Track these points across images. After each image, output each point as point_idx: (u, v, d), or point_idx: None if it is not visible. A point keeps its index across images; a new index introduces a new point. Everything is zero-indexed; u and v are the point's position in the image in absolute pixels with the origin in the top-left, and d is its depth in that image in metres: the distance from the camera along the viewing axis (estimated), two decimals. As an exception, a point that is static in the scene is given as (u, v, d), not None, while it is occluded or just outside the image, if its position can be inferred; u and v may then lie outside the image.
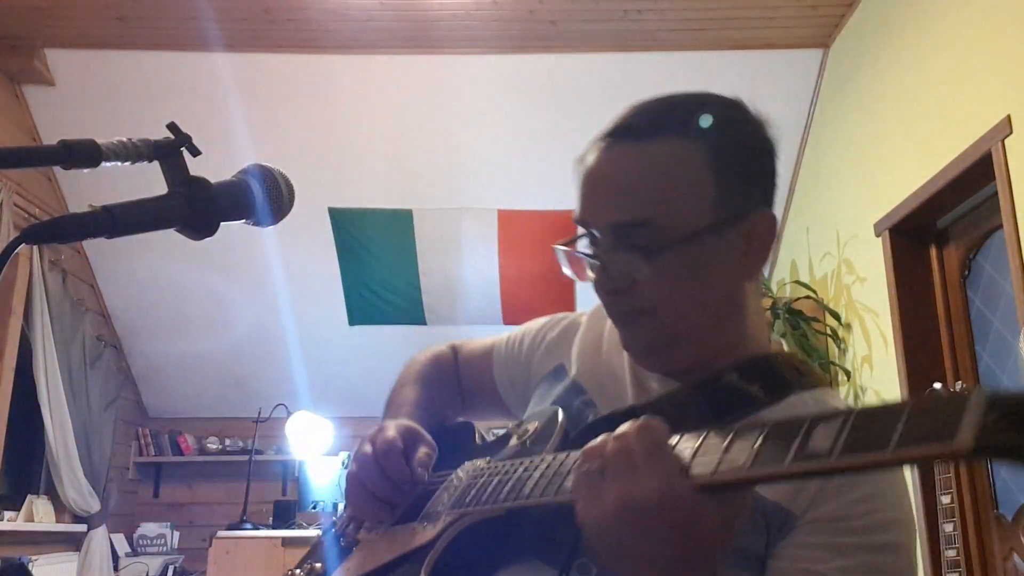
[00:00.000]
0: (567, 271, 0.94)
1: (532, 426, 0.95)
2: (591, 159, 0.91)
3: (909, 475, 3.38)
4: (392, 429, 0.97)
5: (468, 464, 0.94)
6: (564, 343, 1.10)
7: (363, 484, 0.94)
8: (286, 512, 5.09)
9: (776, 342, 0.99)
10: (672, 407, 0.86)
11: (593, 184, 0.90)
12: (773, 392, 0.87)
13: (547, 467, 0.78)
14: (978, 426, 0.45)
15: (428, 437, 1.00)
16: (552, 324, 1.14)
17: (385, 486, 0.92)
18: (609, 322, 1.02)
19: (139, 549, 5.30)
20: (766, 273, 4.91)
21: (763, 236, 0.90)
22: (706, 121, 0.88)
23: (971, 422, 0.45)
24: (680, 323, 0.88)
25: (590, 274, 0.91)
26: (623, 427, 0.67)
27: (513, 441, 0.95)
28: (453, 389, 1.22)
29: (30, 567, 3.97)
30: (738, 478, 0.60)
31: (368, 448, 0.95)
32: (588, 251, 0.91)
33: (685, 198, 0.86)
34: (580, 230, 0.92)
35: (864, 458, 0.51)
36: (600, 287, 0.91)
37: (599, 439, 0.68)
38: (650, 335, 0.90)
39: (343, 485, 1.04)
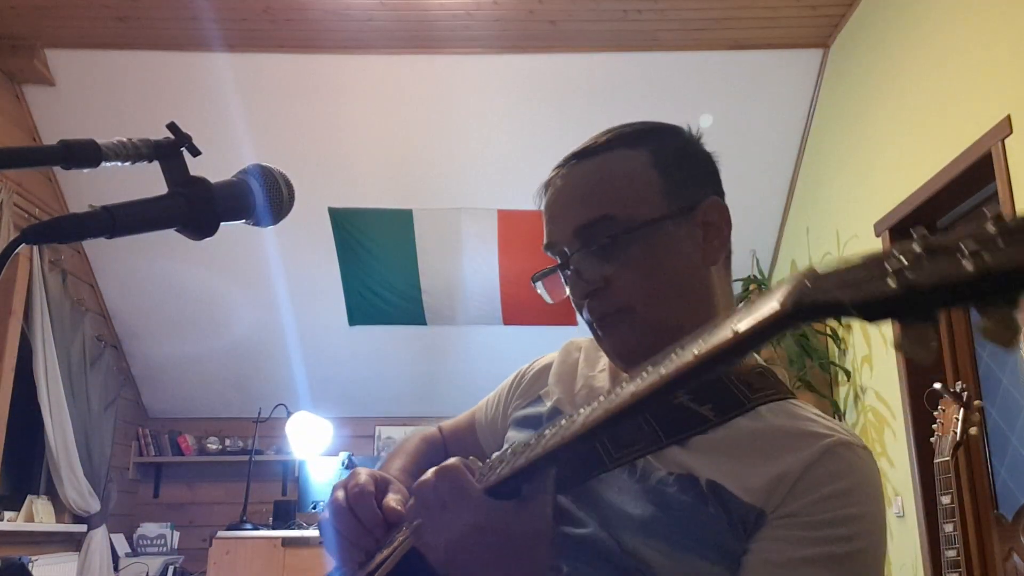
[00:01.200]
0: (547, 298, 1.02)
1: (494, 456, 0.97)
2: (550, 187, 1.01)
3: (908, 476, 3.38)
4: (363, 475, 0.98)
5: None
6: (538, 381, 1.13)
7: (336, 530, 0.95)
8: (286, 512, 5.09)
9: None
10: (626, 430, 0.90)
11: (552, 205, 1.00)
12: (724, 412, 0.90)
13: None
14: (794, 293, 0.51)
15: (400, 485, 1.01)
16: (524, 371, 1.18)
17: (358, 530, 0.93)
18: (582, 348, 1.11)
19: (139, 549, 5.30)
20: (767, 271, 4.92)
21: (717, 222, 0.97)
22: (643, 132, 0.99)
23: (788, 291, 0.52)
24: (657, 314, 0.93)
25: (567, 289, 0.98)
26: (424, 476, 0.78)
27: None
28: (441, 458, 1.25)
29: (30, 567, 3.97)
30: (512, 471, 0.72)
31: (340, 494, 0.96)
32: (560, 268, 0.99)
33: (637, 191, 0.94)
34: (551, 262, 1.00)
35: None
36: (576, 295, 0.96)
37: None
38: (633, 334, 0.94)
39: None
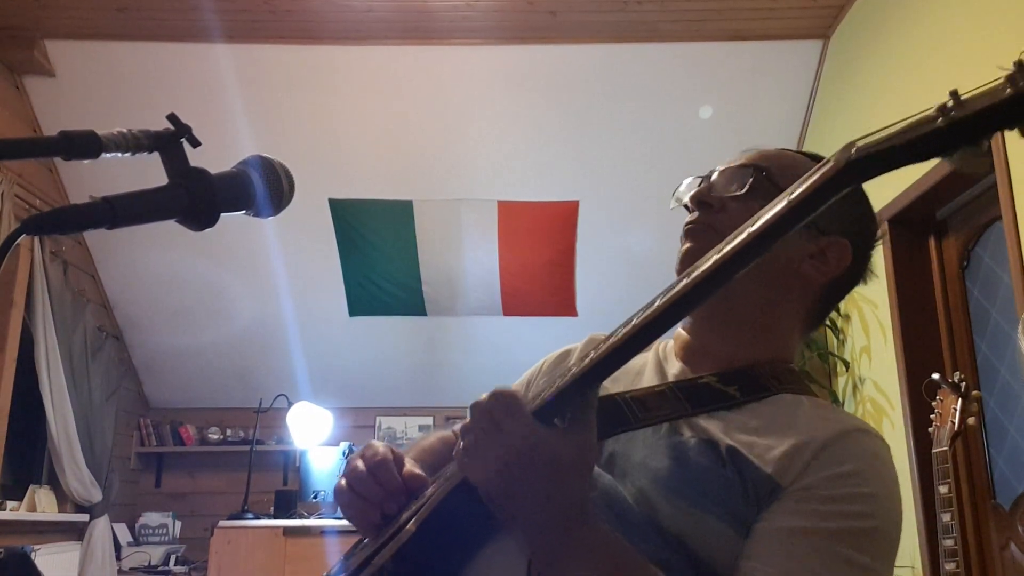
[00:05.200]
0: (675, 201, 1.08)
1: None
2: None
3: (907, 465, 3.39)
4: (380, 445, 0.99)
5: None
6: (561, 364, 1.14)
7: (355, 491, 0.95)
8: (287, 502, 5.11)
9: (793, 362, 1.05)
10: (654, 398, 0.95)
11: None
12: (750, 393, 0.94)
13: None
14: (845, 152, 0.64)
15: (415, 464, 1.02)
16: (546, 359, 1.19)
17: (378, 492, 0.94)
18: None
19: (141, 539, 5.32)
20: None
21: (832, 259, 0.99)
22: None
23: (839, 154, 0.64)
24: (740, 306, 0.99)
25: (687, 201, 1.03)
26: (479, 399, 0.79)
27: None
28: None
29: (33, 557, 3.98)
30: (556, 392, 0.77)
31: (359, 462, 0.96)
32: (703, 178, 1.04)
33: (796, 172, 0.96)
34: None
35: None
36: (694, 197, 1.01)
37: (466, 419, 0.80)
38: (701, 254, 0.97)
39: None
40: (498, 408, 0.77)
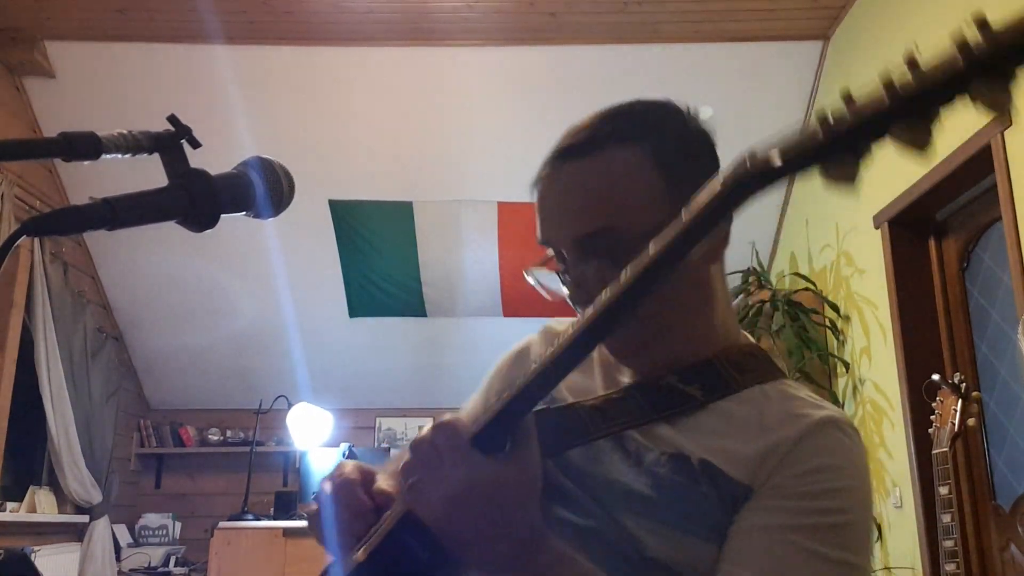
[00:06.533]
0: (543, 293, 0.99)
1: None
2: (542, 184, 0.96)
3: (907, 467, 3.39)
4: (349, 465, 0.97)
5: None
6: (518, 365, 1.12)
7: (327, 519, 0.93)
8: (287, 503, 5.11)
9: (744, 335, 1.02)
10: (613, 405, 0.92)
11: (549, 206, 0.94)
12: (712, 391, 0.91)
13: None
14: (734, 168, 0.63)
15: (387, 474, 0.99)
16: (504, 359, 1.17)
17: (348, 518, 0.92)
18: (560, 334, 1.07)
19: (141, 540, 5.32)
20: (766, 263, 4.92)
21: (716, 236, 0.93)
22: (639, 125, 0.93)
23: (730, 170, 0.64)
24: (659, 319, 0.91)
25: (564, 291, 0.95)
26: (422, 432, 0.77)
27: None
28: None
29: (33, 558, 3.98)
30: (490, 417, 0.74)
31: (327, 485, 0.94)
32: (559, 268, 0.95)
33: (639, 199, 0.90)
34: (548, 251, 0.97)
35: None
36: (576, 301, 0.93)
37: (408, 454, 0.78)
38: (634, 337, 0.92)
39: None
40: (439, 441, 0.76)
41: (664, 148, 0.92)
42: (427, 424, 0.80)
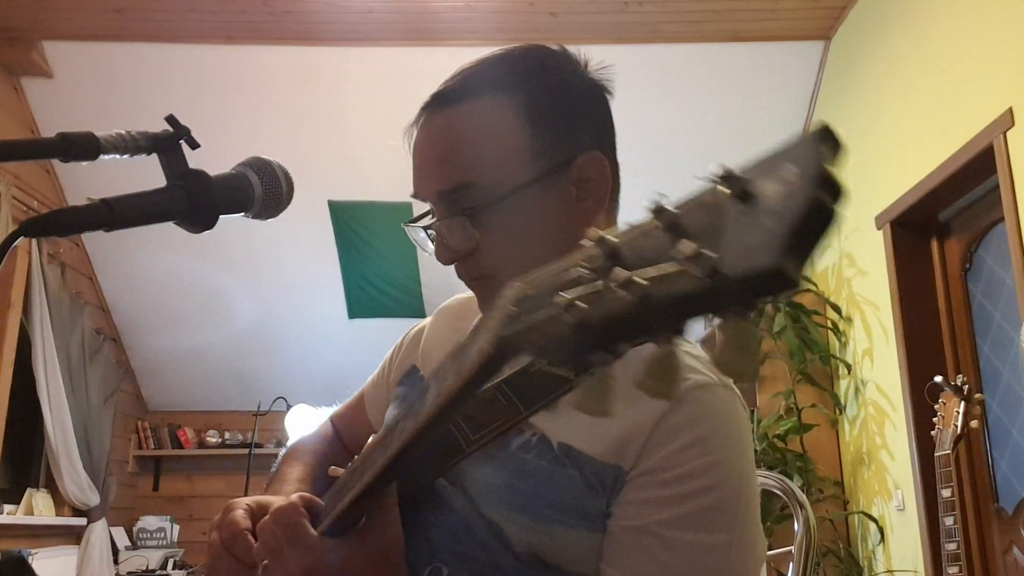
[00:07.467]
0: (418, 246, 0.96)
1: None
2: (414, 133, 0.92)
3: (909, 469, 3.38)
4: (238, 510, 0.90)
5: None
6: (413, 348, 1.10)
7: (219, 573, 0.88)
8: (286, 505, 5.10)
9: None
10: (483, 409, 0.85)
11: (417, 157, 0.91)
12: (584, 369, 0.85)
13: None
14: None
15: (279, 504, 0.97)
16: (402, 340, 1.15)
17: (239, 570, 0.86)
18: (452, 311, 1.07)
19: (139, 542, 5.31)
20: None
21: (593, 179, 0.88)
22: (516, 74, 0.88)
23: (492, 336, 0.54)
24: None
25: (431, 246, 0.92)
26: (264, 519, 0.78)
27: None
28: (337, 451, 1.21)
29: (30, 560, 3.97)
30: (340, 511, 0.74)
31: (215, 536, 0.88)
32: (427, 223, 0.92)
33: (501, 154, 0.86)
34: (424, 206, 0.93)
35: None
36: (441, 257, 0.91)
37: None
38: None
39: None
40: (279, 531, 0.76)
41: (536, 101, 0.87)
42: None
